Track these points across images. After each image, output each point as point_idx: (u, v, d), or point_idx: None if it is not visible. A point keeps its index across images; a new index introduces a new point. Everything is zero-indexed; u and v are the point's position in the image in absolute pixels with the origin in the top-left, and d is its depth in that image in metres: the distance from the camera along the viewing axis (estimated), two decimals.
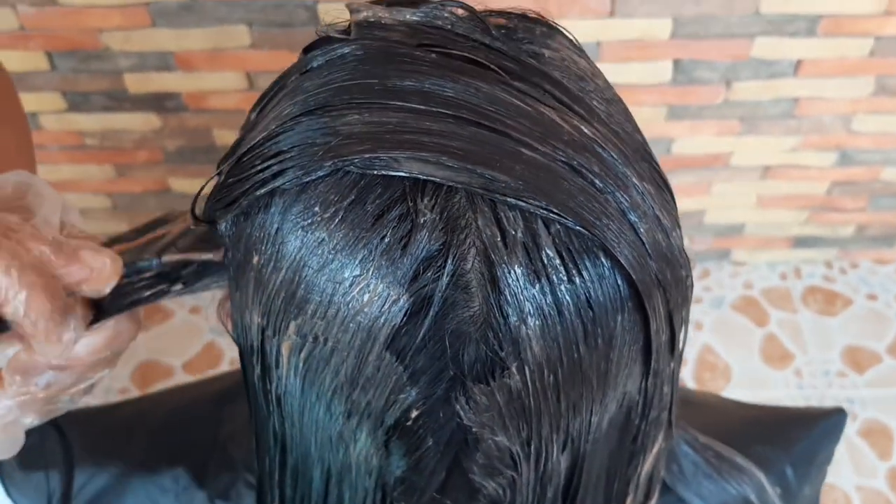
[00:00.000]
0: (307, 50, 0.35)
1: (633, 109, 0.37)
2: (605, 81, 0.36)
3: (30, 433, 0.56)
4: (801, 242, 1.55)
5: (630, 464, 0.38)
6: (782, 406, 0.61)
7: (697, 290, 1.52)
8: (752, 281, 1.55)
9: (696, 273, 1.54)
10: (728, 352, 1.47)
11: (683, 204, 1.43)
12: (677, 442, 0.47)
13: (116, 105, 1.30)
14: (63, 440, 0.55)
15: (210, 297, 1.39)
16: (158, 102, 1.30)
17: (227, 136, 1.36)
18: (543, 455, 0.33)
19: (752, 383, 1.44)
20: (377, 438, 0.33)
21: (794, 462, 0.54)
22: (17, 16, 1.19)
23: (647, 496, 0.41)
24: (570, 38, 0.36)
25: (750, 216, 1.49)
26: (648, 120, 1.30)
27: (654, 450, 0.38)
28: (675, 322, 0.34)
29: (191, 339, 1.48)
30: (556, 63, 0.34)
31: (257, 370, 0.35)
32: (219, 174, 0.36)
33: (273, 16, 1.18)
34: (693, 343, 1.48)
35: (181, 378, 1.44)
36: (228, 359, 1.47)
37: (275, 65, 1.23)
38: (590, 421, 0.33)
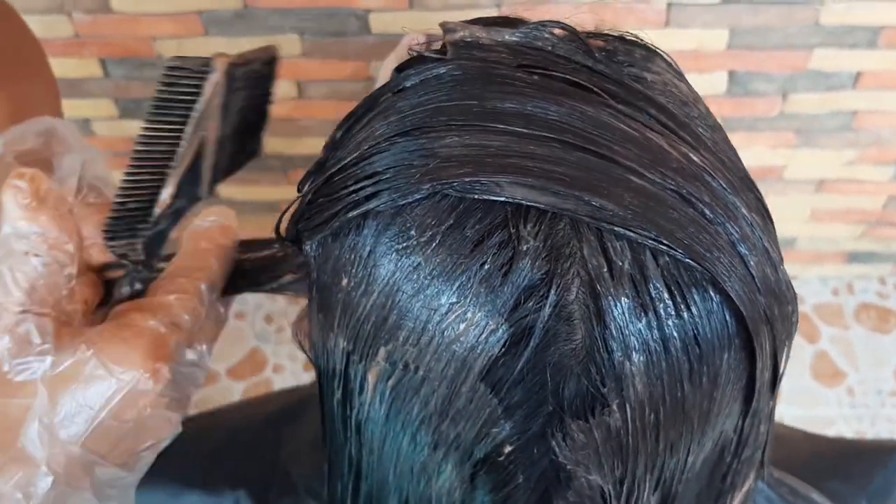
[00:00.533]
0: (400, 69, 0.34)
1: None
2: (706, 108, 0.35)
3: None
4: (854, 258, 1.51)
5: (717, 502, 0.36)
6: (855, 439, 0.60)
7: None
8: (804, 296, 1.52)
9: None
10: None
11: None
12: None
13: None
14: None
15: (254, 304, 1.40)
16: None
17: (276, 144, 1.36)
18: (635, 495, 0.32)
19: (803, 401, 1.41)
20: (463, 472, 0.32)
21: (871, 498, 0.52)
22: (73, 23, 1.20)
23: None
24: (669, 61, 0.35)
25: (803, 230, 1.46)
26: None
27: (744, 489, 0.37)
28: (779, 360, 0.33)
29: (235, 345, 1.48)
30: (658, 87, 0.33)
31: (338, 395, 0.34)
32: (304, 194, 0.35)
33: (325, 25, 1.18)
34: None
35: (226, 383, 1.44)
36: (272, 365, 1.47)
37: (325, 74, 1.23)
38: (685, 460, 0.32)
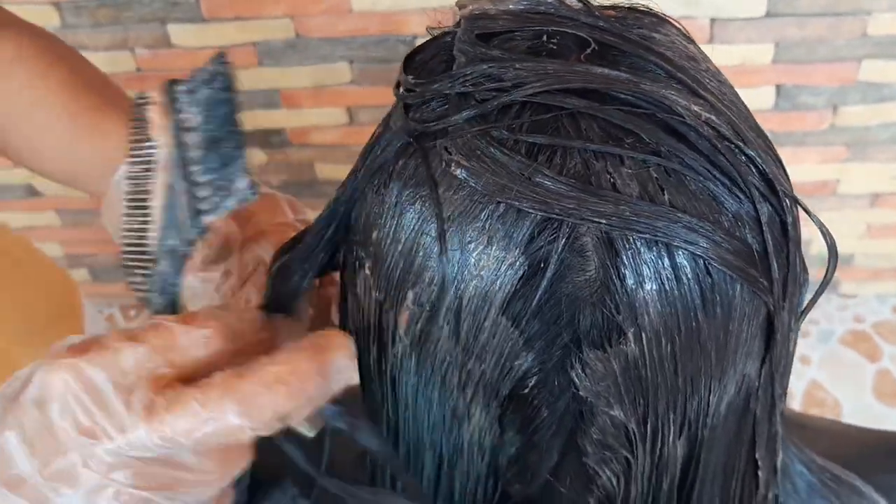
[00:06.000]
0: (419, 48, 0.37)
1: None
2: (717, 69, 0.36)
3: None
4: None
5: (748, 464, 0.36)
6: None
7: (804, 324, 1.46)
8: (863, 314, 1.49)
9: None
10: (837, 388, 1.41)
11: None
12: (791, 461, 0.46)
13: None
14: None
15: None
16: (264, 138, 1.35)
17: (328, 171, 1.40)
18: (660, 436, 0.33)
19: (864, 421, 1.36)
20: (491, 412, 0.33)
21: None
22: (135, 58, 1.26)
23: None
24: (681, 28, 0.36)
25: (859, 246, 1.43)
26: None
27: (775, 439, 0.37)
28: (794, 301, 0.34)
29: None
30: (665, 44, 0.34)
31: (373, 352, 0.36)
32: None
33: (373, 52, 1.22)
34: (801, 378, 1.42)
35: None
36: None
37: (375, 100, 1.27)
38: (708, 401, 0.33)
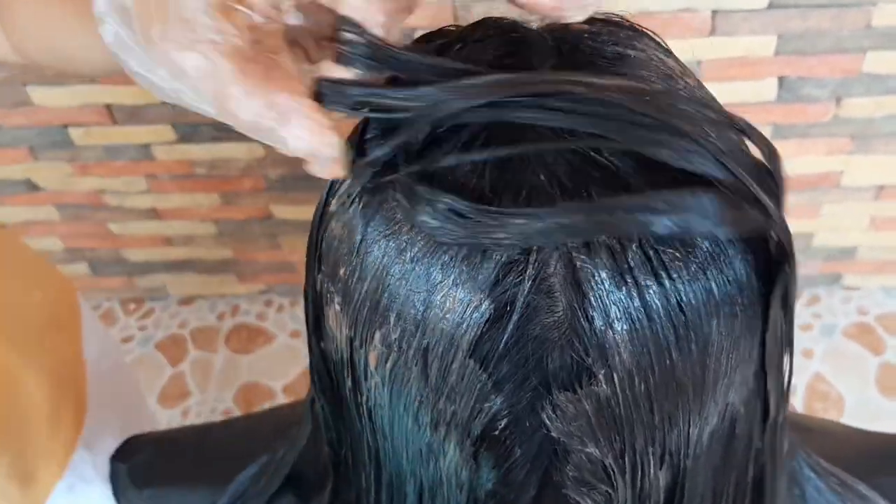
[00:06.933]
0: None
1: None
2: (697, 81, 0.35)
3: (136, 454, 0.58)
4: None
5: (738, 484, 0.36)
6: None
7: (807, 317, 1.46)
8: (867, 307, 1.48)
9: (804, 299, 1.48)
10: (841, 381, 1.40)
11: (791, 226, 1.37)
12: (800, 466, 0.45)
13: (223, 135, 1.35)
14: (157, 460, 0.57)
15: None
16: None
17: None
18: (640, 470, 0.32)
19: (868, 415, 1.37)
20: (465, 450, 0.33)
21: None
22: None
23: None
24: (658, 40, 0.35)
25: (863, 239, 1.42)
26: None
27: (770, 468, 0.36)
28: (780, 329, 0.33)
29: (291, 362, 1.51)
30: (641, 62, 0.33)
31: (348, 383, 0.35)
32: None
33: None
34: (803, 372, 1.41)
35: (282, 400, 1.47)
36: None
37: None
38: (688, 433, 0.32)
